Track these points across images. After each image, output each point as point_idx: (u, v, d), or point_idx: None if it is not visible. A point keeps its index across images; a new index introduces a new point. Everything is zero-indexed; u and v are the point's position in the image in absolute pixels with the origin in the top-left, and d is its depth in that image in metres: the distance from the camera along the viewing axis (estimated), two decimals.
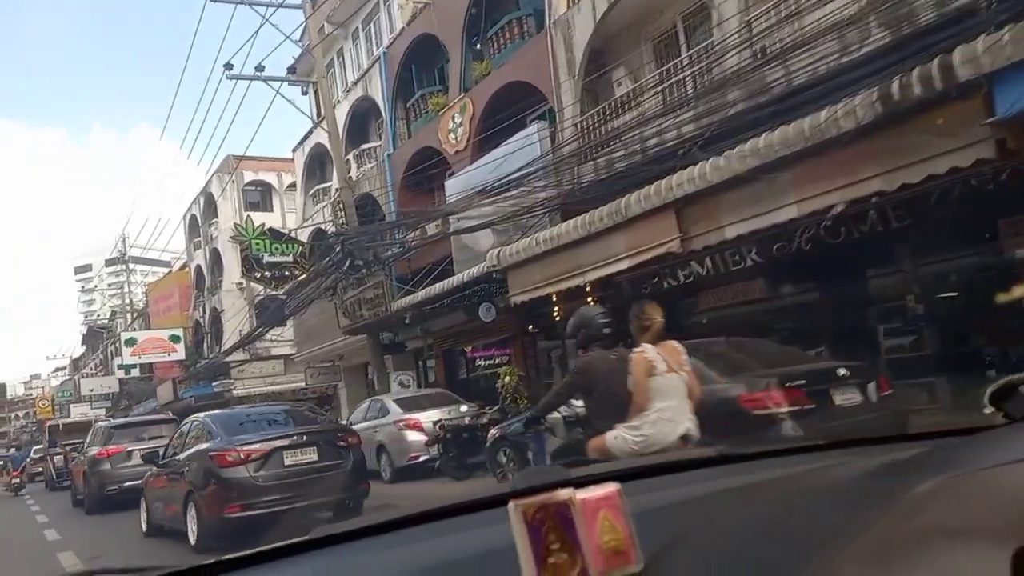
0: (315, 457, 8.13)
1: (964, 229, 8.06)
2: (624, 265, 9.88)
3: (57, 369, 70.16)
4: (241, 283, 29.88)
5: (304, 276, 19.23)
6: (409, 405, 13.23)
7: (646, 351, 4.15)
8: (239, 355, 27.78)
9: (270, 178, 33.22)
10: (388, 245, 17.06)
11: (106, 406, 43.48)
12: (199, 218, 34.83)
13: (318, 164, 25.61)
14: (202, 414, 9.77)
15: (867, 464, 1.13)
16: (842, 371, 6.03)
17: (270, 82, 17.89)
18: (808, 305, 10.76)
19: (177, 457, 9.07)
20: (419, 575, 1.00)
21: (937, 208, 7.13)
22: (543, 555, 0.82)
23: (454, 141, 17.09)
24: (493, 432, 9.92)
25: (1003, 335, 8.64)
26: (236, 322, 26.61)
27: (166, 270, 41.65)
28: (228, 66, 17.05)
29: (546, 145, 13.32)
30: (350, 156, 20.85)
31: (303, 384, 26.61)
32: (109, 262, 57.12)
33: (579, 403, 5.14)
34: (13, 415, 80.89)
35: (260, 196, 33.63)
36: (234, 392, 29.64)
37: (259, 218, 25.48)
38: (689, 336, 5.48)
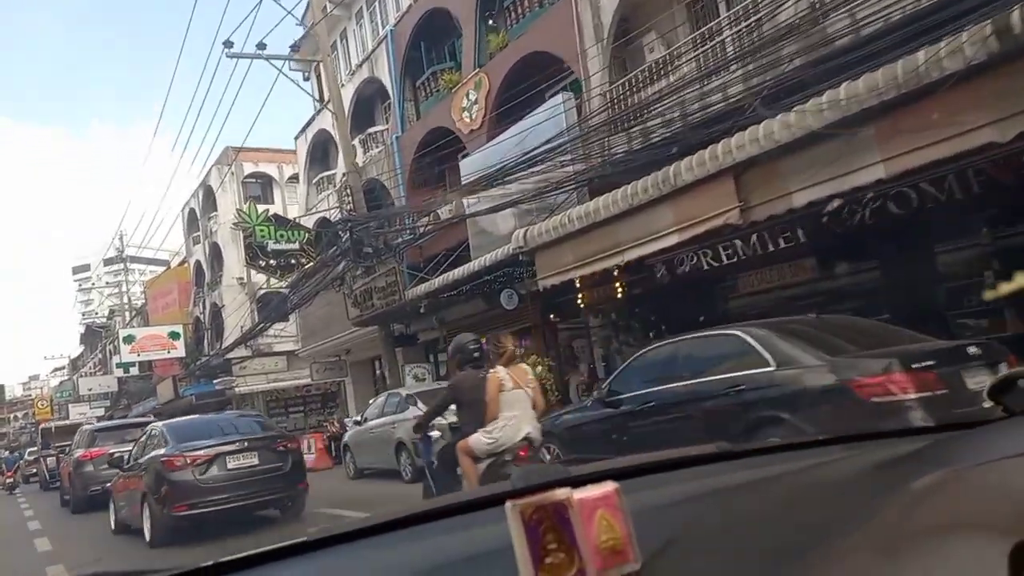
0: (256, 461, 9.01)
1: None
2: (673, 240, 8.86)
3: (56, 369, 69.63)
4: (242, 278, 29.05)
5: (311, 265, 18.23)
6: (429, 400, 12.22)
7: (498, 372, 5.43)
8: (241, 351, 26.92)
9: (271, 170, 32.14)
10: (399, 231, 16.12)
11: (105, 405, 42.69)
12: (198, 212, 33.83)
13: (321, 151, 24.62)
14: (160, 423, 10.71)
15: (866, 459, 1.15)
16: (972, 349, 5.04)
17: (272, 60, 16.97)
18: (868, 285, 9.78)
19: (139, 461, 9.83)
20: (418, 575, 0.98)
21: None
22: (540, 555, 0.79)
23: (468, 120, 16.10)
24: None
25: None
26: (237, 318, 25.77)
27: (164, 268, 40.70)
28: (228, 43, 16.15)
29: (572, 117, 12.33)
30: (356, 141, 19.83)
31: (308, 380, 25.78)
32: (107, 262, 56.28)
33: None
34: (12, 416, 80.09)
35: (260, 188, 32.55)
36: (236, 389, 28.79)
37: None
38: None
